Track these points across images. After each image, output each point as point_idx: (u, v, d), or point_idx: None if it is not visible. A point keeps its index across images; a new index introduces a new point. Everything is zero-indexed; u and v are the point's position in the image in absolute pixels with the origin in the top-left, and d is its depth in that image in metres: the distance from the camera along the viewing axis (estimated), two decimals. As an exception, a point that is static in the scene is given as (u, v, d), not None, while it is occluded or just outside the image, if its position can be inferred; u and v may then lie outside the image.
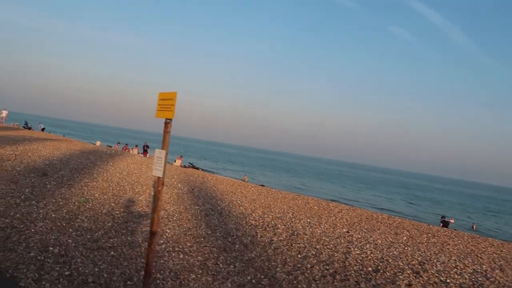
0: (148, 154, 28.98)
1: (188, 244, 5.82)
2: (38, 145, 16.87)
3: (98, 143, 29.26)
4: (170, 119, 3.90)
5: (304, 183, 46.06)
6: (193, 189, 11.03)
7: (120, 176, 11.35)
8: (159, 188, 3.88)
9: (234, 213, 8.37)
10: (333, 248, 6.69)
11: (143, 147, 28.87)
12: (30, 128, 37.64)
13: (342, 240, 7.24)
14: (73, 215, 6.58)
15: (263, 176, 46.32)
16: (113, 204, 7.70)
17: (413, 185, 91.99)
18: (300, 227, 7.99)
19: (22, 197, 7.40)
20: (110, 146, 29.02)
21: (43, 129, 40.58)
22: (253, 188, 13.81)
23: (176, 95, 3.78)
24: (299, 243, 6.65)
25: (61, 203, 7.29)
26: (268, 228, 7.31)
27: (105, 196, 8.36)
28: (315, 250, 6.46)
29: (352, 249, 6.80)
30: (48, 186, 8.76)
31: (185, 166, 31.69)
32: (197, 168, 32.77)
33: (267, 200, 11.41)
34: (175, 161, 30.71)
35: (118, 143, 30.52)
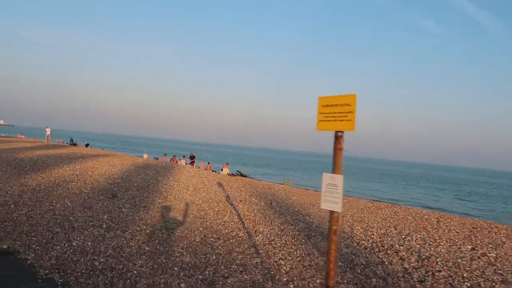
0: (195, 164, 28.47)
1: (318, 281, 4.77)
2: (93, 162, 16.53)
3: (145, 156, 29.08)
4: (342, 132, 2.87)
5: (350, 185, 44.37)
6: (271, 203, 10.03)
7: (190, 193, 10.56)
8: (334, 228, 2.85)
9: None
10: (482, 275, 5.46)
11: (189, 157, 28.40)
12: (75, 145, 38.26)
13: (481, 263, 5.97)
14: (167, 246, 5.72)
15: (301, 179, 44.92)
16: (201, 229, 6.81)
17: (456, 180, 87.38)
18: (417, 245, 6.79)
19: (104, 226, 6.66)
20: (157, 158, 28.76)
21: (87, 145, 41.23)
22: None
23: (355, 99, 2.74)
24: (440, 271, 5.47)
25: (147, 231, 6.48)
26: (389, 252, 6.17)
27: (188, 219, 7.51)
28: (468, 281, 5.26)
29: (507, 275, 5.54)
30: (123, 210, 8.04)
31: (232, 174, 30.96)
32: (245, 176, 31.95)
33: (353, 211, 10.24)
34: (221, 169, 30.05)
35: (165, 154, 30.24)
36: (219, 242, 6.12)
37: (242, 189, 12.63)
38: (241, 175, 32.18)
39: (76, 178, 11.55)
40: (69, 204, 8.26)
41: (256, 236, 6.56)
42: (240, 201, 10.20)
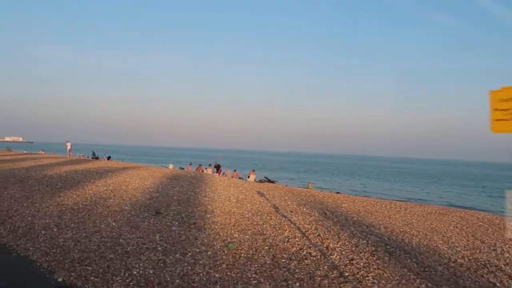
0: (221, 173, 27.89)
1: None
2: (122, 176, 16.08)
3: (170, 166, 28.66)
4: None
5: (367, 185, 43.15)
6: (325, 213, 9.27)
7: (235, 205, 9.93)
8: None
9: (416, 248, 6.47)
10: None
11: (215, 166, 27.85)
12: (97, 158, 38.20)
13: None
14: (238, 271, 5.03)
15: (323, 182, 43.85)
16: (266, 248, 6.12)
17: (476, 175, 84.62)
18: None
19: (159, 249, 6.02)
20: (183, 168, 28.29)
21: (108, 158, 41.16)
22: (374, 203, 11.83)
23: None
24: None
25: (209, 253, 5.81)
26: (490, 268, 5.34)
27: (247, 236, 6.82)
28: None
29: None
30: (173, 228, 7.41)
31: (260, 181, 30.23)
32: (273, 182, 31.21)
33: (417, 218, 9.39)
34: (248, 176, 29.39)
35: (190, 164, 29.80)
36: (293, 264, 5.40)
37: (286, 198, 11.91)
38: (269, 181, 31.43)
39: (112, 194, 11.02)
40: (113, 224, 7.69)
41: (331, 255, 5.82)
42: (291, 211, 9.48)
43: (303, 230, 7.33)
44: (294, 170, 69.39)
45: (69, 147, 40.01)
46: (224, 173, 27.49)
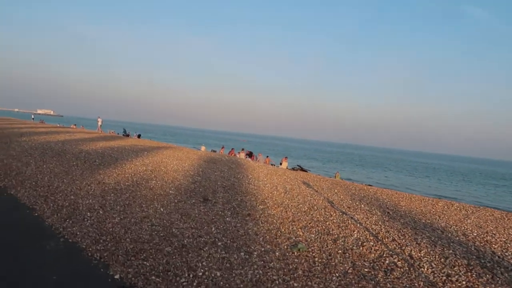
0: (254, 158, 27.18)
1: None
2: (158, 156, 15.56)
3: (202, 148, 28.14)
4: None
5: (395, 179, 41.55)
6: (388, 212, 8.36)
7: (284, 196, 9.21)
8: None
9: None
10: None
11: (247, 154, 27.13)
12: (128, 135, 38.19)
13: None
14: (320, 282, 4.25)
15: (350, 172, 42.39)
16: (340, 252, 5.34)
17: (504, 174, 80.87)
18: None
19: (220, 244, 5.31)
20: (215, 151, 27.73)
21: (139, 136, 41.14)
22: (432, 203, 10.79)
23: None
24: None
25: (277, 253, 5.07)
26: None
27: (312, 235, 6.05)
28: None
29: None
30: (227, 219, 6.70)
31: (293, 169, 29.36)
32: (306, 171, 30.30)
33: (479, 222, 8.35)
34: (280, 163, 28.55)
35: (223, 147, 29.17)
36: (380, 276, 4.57)
37: (336, 190, 11.05)
38: (302, 169, 30.53)
39: (153, 175, 10.44)
40: (162, 209, 7.04)
41: (420, 267, 4.95)
42: (348, 207, 8.62)
43: (373, 232, 6.48)
44: (319, 158, 67.99)
45: (100, 123, 40.20)
46: (257, 159, 26.75)
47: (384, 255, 5.36)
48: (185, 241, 5.38)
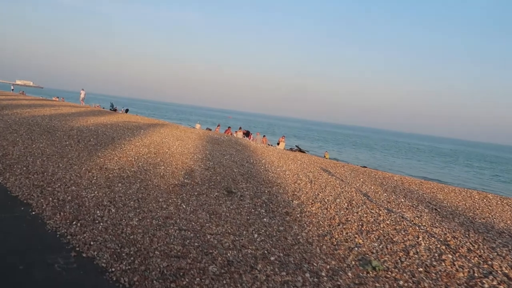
0: (252, 137, 26.00)
1: None
2: (156, 135, 14.28)
3: (197, 126, 26.77)
4: None
5: (383, 160, 41.10)
6: (436, 209, 7.37)
7: (313, 188, 8.27)
8: None
9: None
10: None
11: (243, 133, 25.89)
12: (115, 110, 36.40)
13: None
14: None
15: (337, 153, 41.61)
16: (422, 270, 4.26)
17: (488, 157, 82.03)
18: None
19: (272, 259, 4.25)
20: (210, 129, 26.39)
21: (126, 111, 39.38)
22: (470, 195, 9.87)
23: None
24: None
25: (349, 273, 3.95)
26: None
27: (375, 244, 4.97)
28: None
29: None
30: (265, 220, 5.61)
31: (291, 149, 28.35)
32: (304, 152, 29.35)
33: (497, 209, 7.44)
34: (278, 143, 27.49)
35: (218, 125, 27.79)
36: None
37: (361, 179, 10.06)
38: (300, 150, 29.56)
39: (159, 160, 9.20)
40: (183, 206, 5.88)
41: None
42: (389, 202, 7.61)
43: (440, 238, 5.45)
44: (306, 137, 67.10)
45: (82, 95, 38.22)
46: (254, 139, 25.57)
47: (475, 274, 4.33)
48: (228, 254, 4.23)
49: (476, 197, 9.71)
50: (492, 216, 7.56)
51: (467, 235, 5.87)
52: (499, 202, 9.20)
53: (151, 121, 22.94)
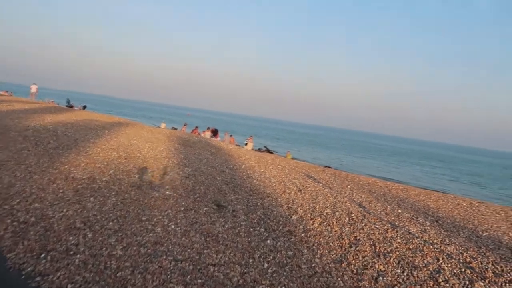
0: (219, 138, 25.12)
1: None
2: (122, 135, 13.18)
3: (163, 125, 25.48)
4: None
5: (343, 159, 41.72)
6: (437, 221, 6.96)
7: (305, 198, 7.68)
8: None
9: None
10: None
11: (211, 131, 24.93)
12: (72, 107, 34.19)
13: None
14: None
15: (297, 152, 41.45)
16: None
17: (437, 156, 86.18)
18: None
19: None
20: (176, 129, 25.19)
21: (84, 107, 37.18)
22: (458, 202, 9.65)
23: None
24: None
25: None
26: None
27: (398, 270, 4.40)
28: None
29: None
30: (269, 242, 4.89)
31: (259, 150, 27.72)
32: (272, 152, 28.83)
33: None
34: (245, 144, 26.76)
35: (185, 124, 26.57)
36: None
37: (348, 186, 9.63)
38: (268, 151, 29.00)
39: (131, 166, 8.25)
40: (172, 226, 5.05)
41: None
42: (387, 214, 7.13)
43: (460, 260, 4.94)
44: (267, 136, 66.75)
45: (33, 90, 35.64)
46: (223, 139, 24.69)
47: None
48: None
49: (464, 204, 9.48)
50: (491, 228, 7.26)
51: (482, 254, 5.42)
52: (487, 210, 9.00)
53: (113, 120, 21.47)
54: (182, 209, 5.90)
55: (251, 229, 5.34)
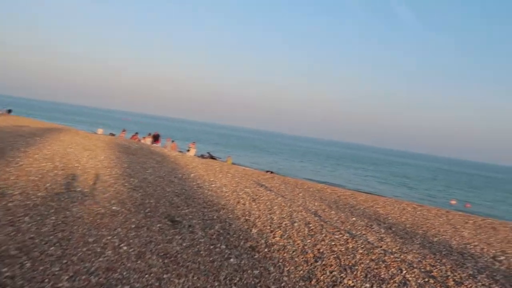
0: (160, 144, 24.25)
1: None
2: (56, 143, 12.21)
3: (100, 131, 24.01)
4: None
5: (281, 163, 42.65)
6: (391, 228, 7.08)
7: (259, 208, 7.51)
8: None
9: None
10: None
11: (153, 136, 24.00)
12: (-6, 111, 31.24)
13: None
14: None
15: (241, 157, 41.69)
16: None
17: (369, 159, 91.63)
18: None
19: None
20: (114, 135, 23.87)
21: (9, 111, 34.19)
22: (403, 207, 10.00)
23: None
24: None
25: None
26: None
27: (367, 285, 4.25)
28: None
29: None
30: (232, 260, 4.65)
31: (202, 156, 27.19)
32: (215, 158, 28.46)
33: (482, 236, 7.67)
34: (188, 150, 26.12)
35: (123, 130, 25.22)
36: None
37: (300, 194, 9.59)
38: (211, 157, 28.55)
39: (70, 179, 7.52)
40: (123, 247, 4.56)
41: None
42: (343, 222, 7.13)
43: (422, 269, 4.98)
44: (207, 141, 65.98)
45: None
46: (164, 145, 23.82)
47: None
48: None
49: (408, 208, 9.81)
50: (439, 232, 7.53)
51: (439, 261, 5.53)
52: (429, 213, 9.40)
53: (44, 125, 19.88)
54: (133, 226, 5.36)
55: (212, 247, 4.97)
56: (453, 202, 27.58)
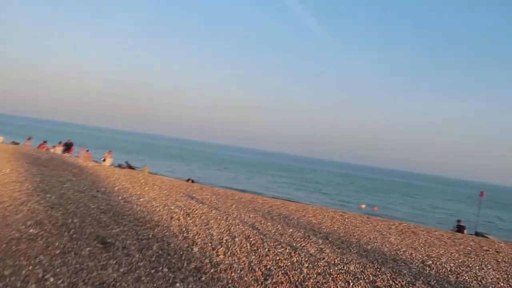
0: (72, 153, 22.39)
1: None
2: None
3: (0, 138, 21.33)
4: None
5: (197, 172, 42.56)
6: (327, 238, 7.21)
7: (201, 224, 7.10)
8: None
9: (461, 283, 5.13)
10: None
11: (65, 144, 22.10)
12: None
13: None
14: None
15: (157, 166, 40.31)
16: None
17: (283, 166, 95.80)
18: None
19: None
20: (17, 143, 21.40)
21: None
22: (332, 216, 10.33)
23: None
24: None
25: None
26: None
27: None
28: None
29: None
30: (178, 285, 4.28)
31: (120, 166, 25.72)
32: (133, 168, 27.15)
33: (400, 239, 8.20)
34: (104, 159, 24.59)
35: (29, 138, 22.67)
36: None
37: (233, 206, 9.34)
38: (130, 167, 27.08)
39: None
40: (49, 278, 3.96)
41: None
42: (281, 234, 7.06)
43: (366, 280, 5.09)
44: (122, 150, 62.67)
45: None
46: (77, 154, 21.99)
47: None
48: None
49: (337, 216, 10.14)
50: (370, 240, 7.82)
51: (378, 269, 5.70)
52: (355, 220, 9.77)
53: None
54: (58, 252, 4.67)
55: (153, 271, 4.50)
56: (363, 206, 29.47)
